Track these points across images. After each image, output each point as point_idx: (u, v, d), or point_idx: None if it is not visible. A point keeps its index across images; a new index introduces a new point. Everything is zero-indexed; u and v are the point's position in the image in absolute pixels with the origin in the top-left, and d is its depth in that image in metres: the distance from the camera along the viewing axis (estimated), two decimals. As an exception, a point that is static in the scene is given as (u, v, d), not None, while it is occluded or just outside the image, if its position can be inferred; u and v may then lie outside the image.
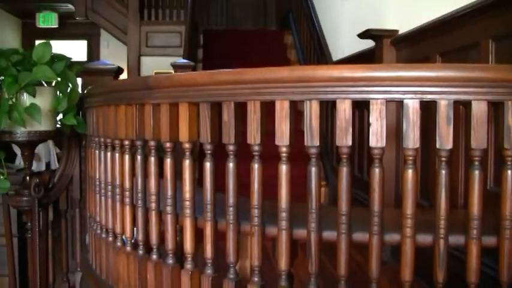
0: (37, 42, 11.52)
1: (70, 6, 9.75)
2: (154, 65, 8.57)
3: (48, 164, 7.06)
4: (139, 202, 2.34)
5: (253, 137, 1.86)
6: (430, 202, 3.54)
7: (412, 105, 1.72)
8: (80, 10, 9.13)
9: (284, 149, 1.83)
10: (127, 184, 2.42)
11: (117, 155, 2.48)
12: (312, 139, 1.78)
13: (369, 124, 1.75)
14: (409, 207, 1.75)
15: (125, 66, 8.79)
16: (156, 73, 8.61)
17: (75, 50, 11.67)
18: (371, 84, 1.71)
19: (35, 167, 6.95)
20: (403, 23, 4.07)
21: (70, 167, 3.68)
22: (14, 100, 3.00)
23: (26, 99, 3.05)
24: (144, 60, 8.64)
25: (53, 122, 3.25)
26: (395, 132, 3.77)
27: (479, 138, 1.71)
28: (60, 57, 3.17)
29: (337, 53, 5.96)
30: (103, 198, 2.66)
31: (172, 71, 5.95)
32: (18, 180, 3.49)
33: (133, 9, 8.64)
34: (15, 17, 11.20)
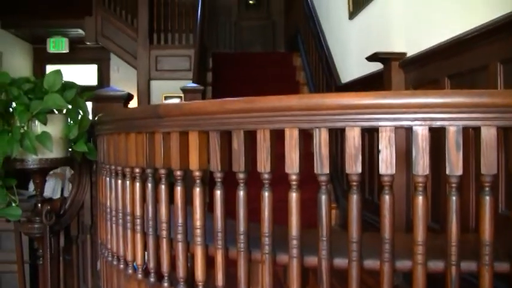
0: (48, 66, 11.68)
1: (80, 31, 9.85)
2: (163, 89, 8.63)
3: (63, 191, 7.11)
4: (150, 230, 2.35)
5: (263, 165, 1.87)
6: (441, 225, 3.52)
7: (421, 132, 1.72)
8: (90, 35, 9.23)
9: (294, 177, 1.83)
10: (138, 212, 2.42)
11: (127, 182, 2.49)
12: (322, 167, 1.79)
13: (378, 151, 1.75)
14: (420, 234, 1.74)
15: (134, 90, 8.86)
16: (165, 97, 8.67)
17: (85, 74, 11.78)
18: (380, 112, 1.72)
19: (49, 192, 7.02)
20: (411, 45, 4.08)
21: (81, 193, 3.70)
22: (25, 128, 3.02)
23: (38, 127, 3.07)
24: (154, 84, 8.69)
25: (64, 149, 3.27)
26: (406, 153, 3.76)
27: (489, 163, 1.71)
28: (71, 85, 3.20)
29: (345, 75, 5.98)
30: (114, 225, 2.67)
31: (182, 95, 5.99)
32: (30, 207, 3.50)
33: (143, 34, 8.72)
34: (26, 43, 11.31)
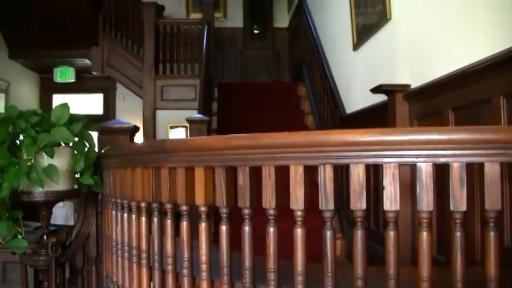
0: (54, 96, 11.77)
1: (87, 61, 9.93)
2: (169, 118, 8.69)
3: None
4: (156, 264, 2.36)
5: (269, 201, 1.88)
6: (446, 257, 3.51)
7: (425, 169, 1.73)
8: (96, 65, 9.31)
9: (299, 213, 1.85)
10: (144, 246, 2.44)
11: (133, 216, 2.51)
12: (327, 203, 1.80)
13: (382, 187, 1.76)
14: (425, 270, 1.75)
15: (140, 119, 8.91)
16: (171, 126, 8.71)
17: (91, 103, 11.86)
18: (384, 148, 1.74)
19: (62, 220, 7.03)
20: (415, 77, 4.11)
21: (87, 225, 3.70)
22: (32, 161, 3.05)
23: (44, 159, 3.09)
24: (159, 113, 8.74)
25: (70, 182, 3.28)
26: (411, 183, 3.76)
27: (493, 199, 1.72)
28: (78, 118, 3.22)
29: (350, 105, 6.01)
30: (120, 258, 2.68)
31: (188, 125, 6.02)
32: (36, 238, 3.51)
33: (149, 64, 8.79)
34: (33, 72, 11.42)
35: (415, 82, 4.09)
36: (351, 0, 5.93)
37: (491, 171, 1.71)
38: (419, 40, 4.12)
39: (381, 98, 4.59)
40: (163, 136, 8.80)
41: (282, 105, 8.42)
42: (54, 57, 10.41)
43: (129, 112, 10.59)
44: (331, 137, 1.79)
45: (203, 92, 7.09)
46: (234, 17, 11.48)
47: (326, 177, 1.80)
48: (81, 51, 9.79)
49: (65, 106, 3.15)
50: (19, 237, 3.24)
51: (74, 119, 3.22)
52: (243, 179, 1.94)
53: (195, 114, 5.66)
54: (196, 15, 10.65)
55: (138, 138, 6.63)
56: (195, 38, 8.82)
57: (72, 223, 6.86)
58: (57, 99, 11.78)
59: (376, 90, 4.37)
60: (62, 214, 7.29)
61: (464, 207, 1.72)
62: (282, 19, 11.52)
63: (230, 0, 11.57)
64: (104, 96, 11.94)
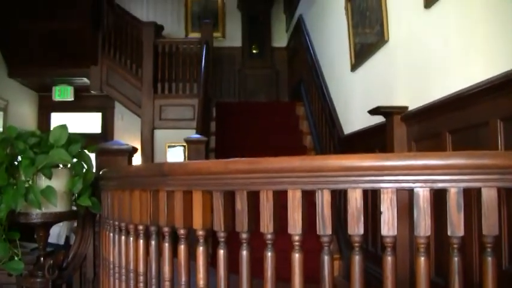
0: (53, 114, 11.78)
1: (85, 80, 9.96)
2: (167, 138, 8.69)
3: (68, 238, 7.07)
4: (153, 287, 2.35)
5: (266, 226, 1.88)
6: (445, 279, 3.50)
7: (423, 194, 1.74)
8: (95, 84, 9.33)
9: (297, 238, 1.85)
10: (141, 269, 2.43)
11: (131, 239, 2.50)
12: (325, 228, 1.80)
13: (380, 213, 1.77)
14: (422, 295, 1.75)
15: (138, 138, 8.93)
16: (169, 146, 8.72)
17: (90, 122, 11.86)
18: (381, 174, 1.74)
19: (54, 238, 6.98)
20: (413, 99, 4.12)
21: (84, 246, 3.69)
22: (30, 182, 3.04)
23: (42, 181, 3.09)
24: (158, 132, 8.75)
25: (68, 203, 3.28)
26: (409, 206, 3.76)
27: (490, 224, 1.72)
28: (76, 140, 3.23)
29: (348, 126, 6.02)
30: (117, 281, 2.67)
31: (186, 144, 6.03)
32: (32, 260, 3.49)
33: (147, 83, 8.81)
34: (32, 91, 11.43)
35: (413, 104, 4.11)
36: (349, 20, 5.96)
37: (489, 196, 1.72)
38: (417, 62, 4.14)
39: (379, 119, 4.60)
40: (161, 155, 8.79)
41: (280, 125, 8.44)
42: (53, 76, 10.43)
43: (128, 131, 10.60)
44: (329, 162, 1.79)
45: (201, 112, 7.11)
46: (233, 37, 11.53)
47: (324, 202, 1.80)
48: (80, 70, 9.82)
49: (63, 127, 3.16)
50: (16, 258, 3.22)
51: (73, 140, 3.22)
52: (241, 204, 1.94)
53: (193, 135, 5.67)
54: (195, 35, 10.71)
55: (137, 157, 6.63)
56: (193, 57, 8.86)
57: (62, 242, 6.84)
58: (56, 118, 11.80)
59: (373, 112, 4.39)
60: (54, 233, 7.24)
61: (461, 233, 1.72)
62: (281, 38, 11.58)
63: (229, 20, 11.63)
64: (102, 115, 11.95)
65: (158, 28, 9.40)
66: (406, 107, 4.18)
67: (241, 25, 11.55)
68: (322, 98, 7.24)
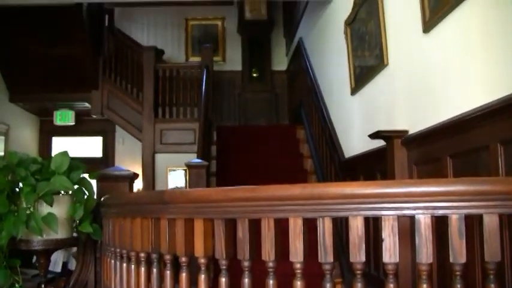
0: (54, 138, 11.80)
1: (86, 104, 9.99)
2: (168, 161, 8.68)
3: (65, 264, 7.02)
4: (155, 315, 2.34)
5: (268, 254, 1.88)
6: (448, 304, 3.48)
7: (424, 221, 1.74)
8: (96, 108, 9.36)
9: (298, 265, 1.84)
10: (142, 296, 2.42)
11: (132, 266, 2.50)
12: (326, 255, 1.80)
13: (382, 240, 1.77)
14: (425, 322, 1.74)
15: (139, 162, 8.92)
16: (170, 170, 8.71)
17: (91, 146, 11.87)
18: (382, 201, 1.74)
19: (50, 266, 6.94)
20: (413, 123, 4.13)
21: (85, 272, 3.68)
22: (31, 209, 3.05)
23: (44, 207, 3.09)
24: (158, 156, 8.75)
25: (69, 230, 3.28)
26: (411, 232, 3.75)
27: (492, 251, 1.72)
28: (77, 166, 3.24)
29: (349, 149, 6.02)
30: (118, 309, 2.66)
31: (187, 169, 6.03)
32: (33, 287, 3.49)
33: (148, 107, 8.83)
34: (33, 115, 11.46)
35: (413, 128, 4.12)
36: (348, 44, 6.00)
37: (490, 222, 1.72)
38: (417, 86, 4.15)
39: (380, 142, 4.60)
40: (162, 179, 8.78)
41: (281, 149, 8.44)
42: (54, 101, 10.47)
43: (128, 155, 10.60)
44: (330, 190, 1.80)
45: (202, 136, 7.11)
46: (233, 61, 11.58)
47: (325, 230, 1.80)
48: (81, 95, 9.86)
49: (64, 154, 3.17)
50: (17, 286, 3.22)
51: (74, 166, 3.24)
52: (243, 232, 1.94)
53: (194, 159, 5.67)
54: (195, 59, 10.75)
55: (138, 181, 6.63)
56: (194, 81, 8.89)
57: (59, 270, 6.78)
58: (57, 142, 11.81)
59: (374, 136, 4.39)
60: (51, 261, 7.19)
61: (463, 259, 1.72)
62: (281, 62, 11.62)
63: (229, 44, 11.68)
64: (103, 139, 11.95)
65: (159, 52, 9.45)
66: (407, 131, 4.19)
67: (241, 49, 11.60)
68: (322, 121, 7.25)
